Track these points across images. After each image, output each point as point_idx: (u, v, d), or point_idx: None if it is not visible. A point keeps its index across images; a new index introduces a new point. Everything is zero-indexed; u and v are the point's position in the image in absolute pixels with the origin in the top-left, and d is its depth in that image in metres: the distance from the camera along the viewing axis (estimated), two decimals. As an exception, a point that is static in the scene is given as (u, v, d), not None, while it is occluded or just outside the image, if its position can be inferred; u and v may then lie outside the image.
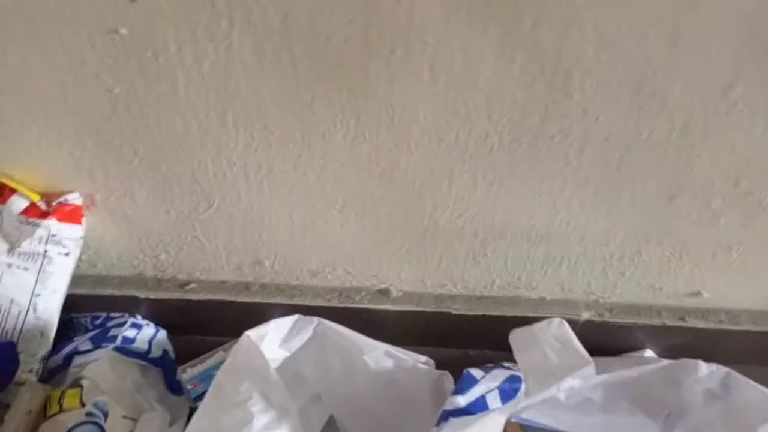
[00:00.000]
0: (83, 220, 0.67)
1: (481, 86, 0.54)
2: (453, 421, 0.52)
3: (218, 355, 0.76)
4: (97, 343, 0.72)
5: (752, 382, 0.51)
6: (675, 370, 0.52)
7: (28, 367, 0.67)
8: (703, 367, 0.52)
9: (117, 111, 0.58)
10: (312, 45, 0.52)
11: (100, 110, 0.58)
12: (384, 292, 0.76)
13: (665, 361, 0.52)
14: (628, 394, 0.54)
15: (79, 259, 0.71)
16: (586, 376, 0.49)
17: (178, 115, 0.58)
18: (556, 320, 0.53)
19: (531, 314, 0.74)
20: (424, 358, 0.62)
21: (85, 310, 0.77)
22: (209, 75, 0.54)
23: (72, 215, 0.66)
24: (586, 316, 0.74)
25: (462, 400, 0.54)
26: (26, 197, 0.64)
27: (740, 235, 0.65)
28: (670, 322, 0.73)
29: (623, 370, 0.52)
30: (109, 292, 0.76)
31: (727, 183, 0.59)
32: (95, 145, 0.61)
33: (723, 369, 0.52)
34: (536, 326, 0.54)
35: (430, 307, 0.76)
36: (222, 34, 0.51)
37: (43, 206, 0.65)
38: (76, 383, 0.68)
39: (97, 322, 0.76)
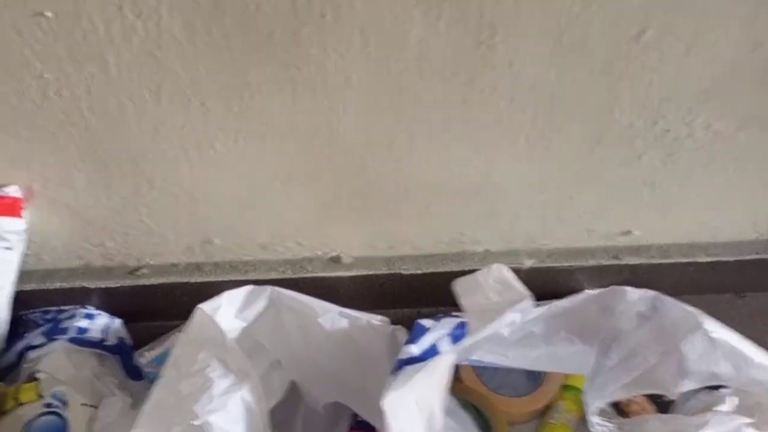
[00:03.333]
0: (23, 212, 0.66)
1: (410, 46, 0.55)
2: (407, 368, 0.55)
3: (175, 336, 0.76)
4: (50, 336, 0.72)
5: (676, 301, 0.56)
6: (607, 298, 0.56)
7: (-20, 366, 0.66)
8: (632, 293, 0.56)
9: (48, 96, 0.57)
10: (242, 15, 0.52)
11: (31, 97, 0.57)
12: (336, 260, 0.78)
13: (597, 291, 0.56)
14: (566, 325, 0.58)
15: (24, 253, 0.70)
16: (525, 310, 0.52)
17: (111, 96, 0.57)
18: (496, 265, 0.56)
19: (478, 267, 0.76)
20: (378, 317, 0.65)
21: (35, 306, 0.76)
22: (140, 53, 0.54)
23: (11, 208, 0.65)
24: (528, 263, 0.77)
25: (415, 349, 0.57)
26: (-38, 193, 0.63)
27: (662, 173, 0.69)
28: (605, 262, 0.78)
29: (559, 302, 0.55)
30: (57, 285, 0.75)
31: (647, 123, 0.63)
32: (29, 133, 0.60)
33: (650, 292, 0.56)
34: (478, 273, 0.57)
35: (381, 270, 0.78)
36: (149, 10, 0.51)
37: (-21, 201, 0.64)
38: (32, 377, 0.68)
39: (48, 316, 0.75)
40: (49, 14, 0.51)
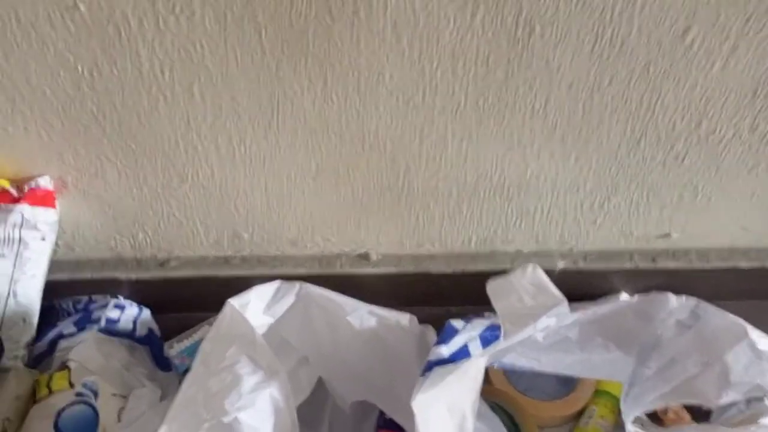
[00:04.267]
0: (56, 203, 0.67)
1: (444, 43, 0.54)
2: (437, 370, 0.54)
3: (204, 329, 0.77)
4: (81, 325, 0.72)
5: (720, 310, 0.54)
6: (646, 305, 0.55)
7: (13, 354, 0.67)
8: (673, 300, 0.54)
9: (82, 89, 0.57)
10: (275, 11, 0.52)
11: (64, 90, 0.57)
12: (364, 257, 0.77)
13: (636, 297, 0.54)
14: (603, 331, 0.56)
15: (56, 244, 0.70)
16: (560, 315, 0.51)
17: (143, 91, 0.57)
18: (530, 266, 0.55)
19: (508, 267, 0.76)
20: (407, 315, 0.64)
21: (66, 296, 0.77)
22: (172, 48, 0.54)
23: (44, 199, 0.65)
24: (561, 265, 0.76)
25: (445, 350, 0.56)
26: (-4, 184, 0.64)
27: (704, 175, 0.67)
28: (642, 265, 0.76)
29: (596, 308, 0.54)
30: (88, 275, 0.76)
31: (690, 124, 0.61)
32: (62, 126, 0.60)
33: (692, 300, 0.54)
34: (511, 274, 0.55)
35: (409, 268, 0.77)
36: (182, 4, 0.51)
37: (14, 192, 0.64)
38: (63, 366, 0.68)
39: (80, 305, 0.76)
40: (82, 8, 0.51)
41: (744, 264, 0.77)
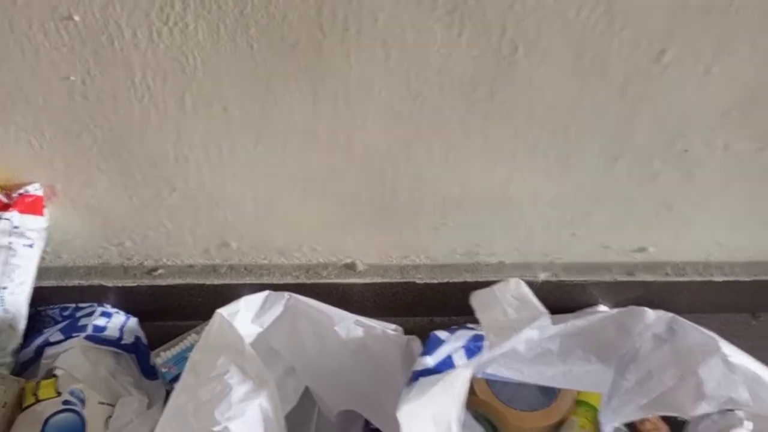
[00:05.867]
0: (45, 211, 0.67)
1: (432, 60, 0.56)
2: (422, 380, 0.55)
3: (191, 337, 0.77)
4: (68, 333, 0.73)
5: (694, 325, 0.56)
6: (624, 318, 0.56)
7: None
8: (650, 314, 0.56)
9: (74, 99, 0.58)
10: (268, 25, 0.53)
11: (56, 99, 0.58)
12: (350, 266, 0.78)
13: (615, 310, 0.56)
14: (583, 343, 0.58)
15: (44, 250, 0.70)
16: (542, 327, 0.53)
17: (135, 101, 0.58)
18: (514, 280, 0.56)
19: (492, 278, 0.76)
20: (392, 326, 0.65)
21: (53, 303, 0.77)
22: (165, 59, 0.55)
23: (34, 206, 0.66)
24: (542, 277, 0.77)
25: (430, 361, 0.57)
26: (-15, 191, 0.64)
27: (679, 192, 0.69)
28: (620, 278, 0.78)
29: (576, 321, 0.55)
30: (75, 282, 0.76)
31: (666, 143, 0.63)
32: (54, 134, 0.61)
33: (668, 314, 0.56)
34: (495, 287, 0.57)
35: (395, 278, 0.78)
36: (176, 17, 0.52)
37: (3, 199, 0.65)
38: (50, 374, 0.69)
39: (66, 312, 0.76)
40: (76, 18, 0.52)
41: (718, 278, 0.79)
